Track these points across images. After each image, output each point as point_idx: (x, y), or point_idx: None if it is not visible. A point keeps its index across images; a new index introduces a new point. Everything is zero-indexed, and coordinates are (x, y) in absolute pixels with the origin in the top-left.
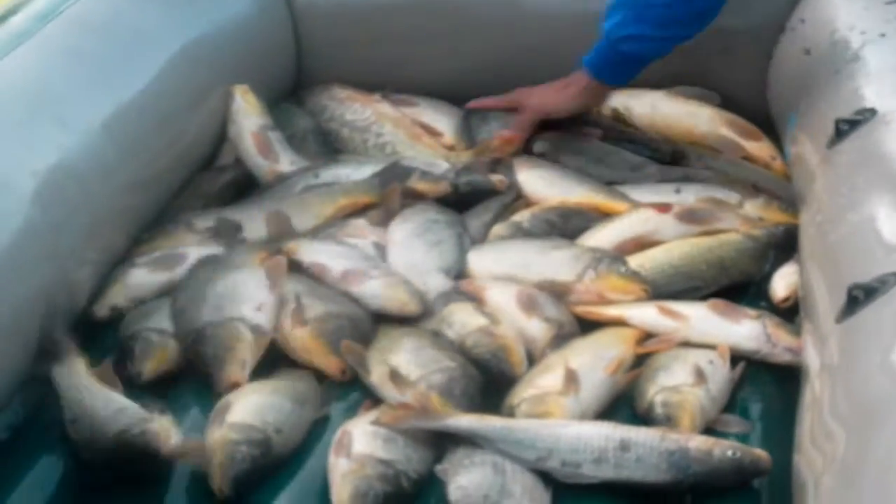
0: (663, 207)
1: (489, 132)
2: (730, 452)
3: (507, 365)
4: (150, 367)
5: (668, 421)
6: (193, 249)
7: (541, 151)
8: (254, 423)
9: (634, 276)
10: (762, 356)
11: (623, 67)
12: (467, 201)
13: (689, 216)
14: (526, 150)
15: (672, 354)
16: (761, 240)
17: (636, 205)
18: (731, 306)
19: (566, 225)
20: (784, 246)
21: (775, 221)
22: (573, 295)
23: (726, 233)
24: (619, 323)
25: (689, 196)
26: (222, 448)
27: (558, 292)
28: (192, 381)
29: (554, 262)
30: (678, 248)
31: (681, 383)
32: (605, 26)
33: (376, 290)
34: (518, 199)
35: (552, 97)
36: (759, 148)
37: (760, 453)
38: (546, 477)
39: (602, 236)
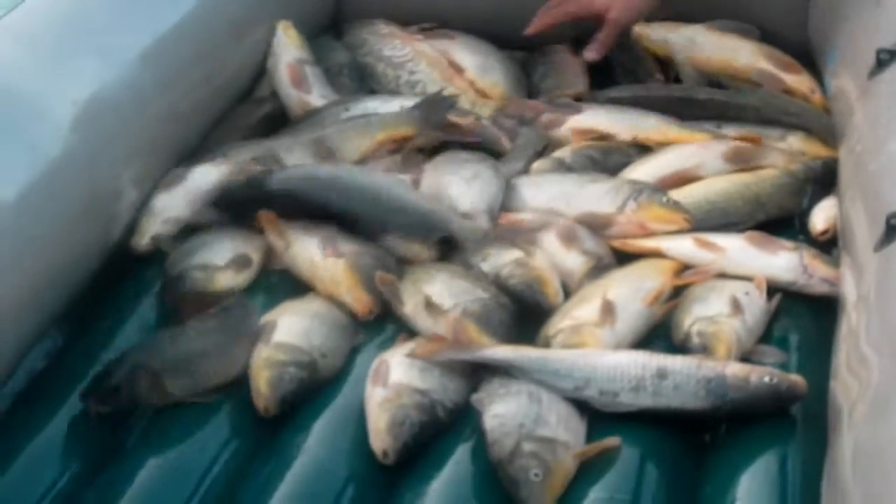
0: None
1: (549, 86)
2: (766, 378)
3: (542, 296)
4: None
5: (705, 351)
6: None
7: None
8: (301, 346)
9: (676, 205)
10: (799, 287)
11: None
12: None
13: (738, 156)
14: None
15: (709, 286)
16: (799, 175)
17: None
18: (768, 238)
19: (607, 161)
20: (822, 181)
21: (816, 155)
22: (615, 226)
23: (765, 169)
24: (656, 255)
25: (730, 132)
26: (270, 368)
27: (599, 224)
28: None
29: (594, 194)
30: (715, 183)
31: (717, 314)
32: None
33: (392, 239)
34: (547, 147)
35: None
36: (799, 81)
37: (796, 379)
38: (582, 406)
39: (644, 171)
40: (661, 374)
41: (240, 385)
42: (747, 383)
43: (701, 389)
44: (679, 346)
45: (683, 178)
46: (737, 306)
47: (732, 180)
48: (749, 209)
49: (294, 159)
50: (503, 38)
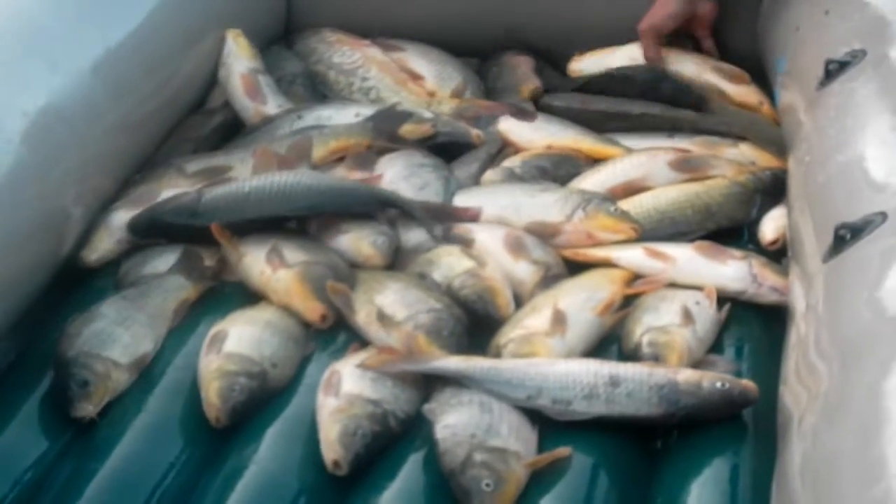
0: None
1: (505, 84)
2: (718, 384)
3: (493, 307)
4: None
5: (656, 360)
6: (167, 191)
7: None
8: (251, 356)
9: (624, 215)
10: (748, 297)
11: None
12: (452, 152)
13: (685, 165)
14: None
15: (659, 295)
16: (748, 185)
17: (628, 150)
18: (718, 248)
19: (557, 171)
20: (771, 191)
21: (768, 166)
22: (562, 235)
23: (714, 178)
24: (606, 264)
25: (683, 142)
26: (220, 378)
27: (547, 233)
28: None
29: (543, 203)
30: (665, 193)
31: (668, 323)
32: None
33: (344, 244)
34: (503, 148)
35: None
36: (746, 93)
37: (748, 384)
38: (533, 415)
39: (593, 181)
40: (614, 382)
41: (191, 396)
42: (700, 389)
43: (654, 396)
44: (629, 356)
45: (633, 188)
46: (687, 316)
47: (682, 190)
48: (699, 219)
49: (248, 170)
50: (456, 46)
